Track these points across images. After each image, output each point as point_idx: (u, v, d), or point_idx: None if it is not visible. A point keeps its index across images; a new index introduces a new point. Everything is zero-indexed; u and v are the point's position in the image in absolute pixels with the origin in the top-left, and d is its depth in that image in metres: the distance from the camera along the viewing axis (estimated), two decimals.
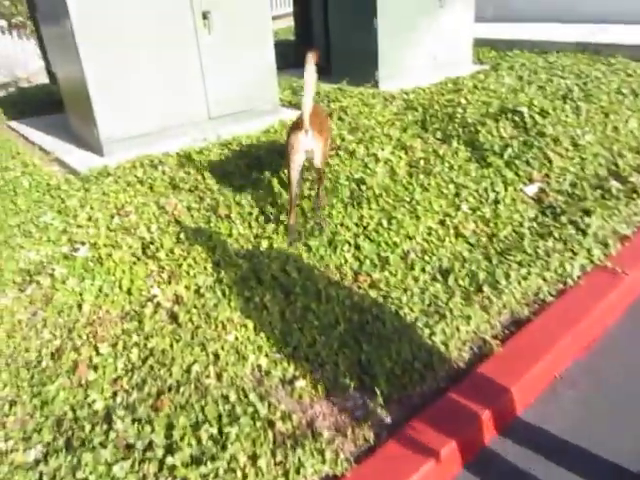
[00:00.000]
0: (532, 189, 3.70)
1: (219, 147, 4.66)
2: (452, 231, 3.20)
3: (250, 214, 3.51)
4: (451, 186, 3.63)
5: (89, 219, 3.51)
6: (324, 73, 7.59)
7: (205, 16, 4.88)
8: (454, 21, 7.17)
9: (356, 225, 3.28)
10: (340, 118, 5.05)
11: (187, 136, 4.91)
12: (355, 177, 3.79)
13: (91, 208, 3.65)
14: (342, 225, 3.29)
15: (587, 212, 3.32)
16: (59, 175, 4.51)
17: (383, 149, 4.22)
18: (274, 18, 12.08)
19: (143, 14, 4.53)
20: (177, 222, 3.44)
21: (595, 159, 3.95)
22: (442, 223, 3.28)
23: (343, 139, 4.49)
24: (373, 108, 5.25)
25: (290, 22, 11.96)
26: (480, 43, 8.10)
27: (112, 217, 3.52)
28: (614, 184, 3.64)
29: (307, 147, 3.07)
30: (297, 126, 3.09)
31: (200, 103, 5.16)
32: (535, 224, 3.26)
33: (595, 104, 4.85)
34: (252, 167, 4.14)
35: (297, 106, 5.45)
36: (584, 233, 3.12)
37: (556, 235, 3.10)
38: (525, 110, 4.38)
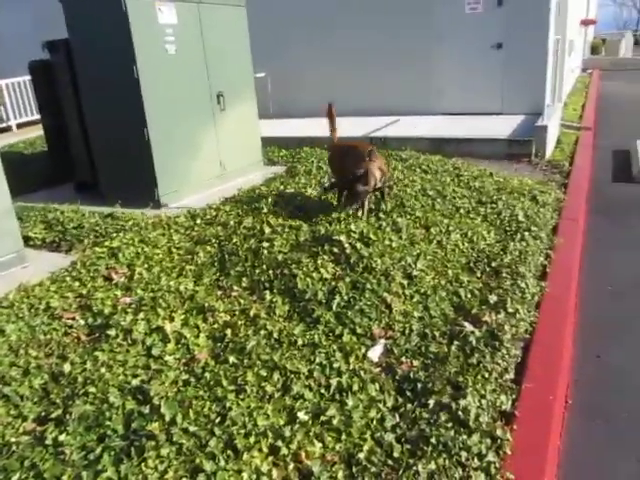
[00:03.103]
0: (377, 352, 2.82)
1: None
2: (291, 466, 2.09)
3: None
4: (276, 375, 2.55)
5: None
6: (89, 190, 6.22)
7: None
8: (239, 123, 6.44)
9: None
10: (108, 270, 3.73)
11: None
12: (132, 385, 2.50)
13: None
14: None
15: (457, 386, 2.50)
16: None
17: (172, 318, 3.02)
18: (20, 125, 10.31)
19: None
20: None
21: (435, 293, 3.27)
22: (274, 453, 2.14)
23: (114, 308, 3.18)
24: (155, 247, 4.04)
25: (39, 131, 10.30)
26: (268, 142, 7.51)
27: None
28: (469, 328, 2.94)
29: None
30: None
31: None
32: (400, 422, 2.32)
33: (411, 215, 4.33)
34: None
35: None
36: (465, 425, 2.27)
37: (433, 441, 2.18)
38: (344, 239, 3.59)
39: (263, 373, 2.55)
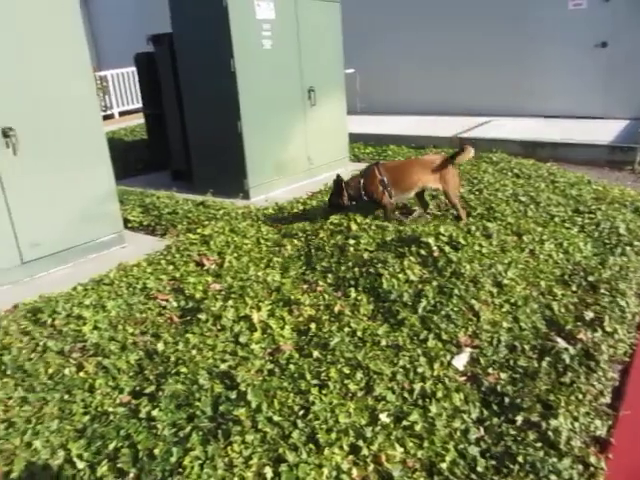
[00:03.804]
0: (462, 360, 2.75)
1: None
2: (371, 467, 2.08)
3: None
4: (359, 374, 2.56)
5: None
6: (184, 179, 6.52)
7: None
8: (327, 119, 6.48)
9: None
10: (200, 256, 3.88)
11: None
12: (220, 369, 2.59)
13: None
14: None
15: (547, 405, 2.39)
16: None
17: (259, 308, 3.10)
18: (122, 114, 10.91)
19: None
20: None
21: (526, 304, 3.14)
22: (355, 452, 2.15)
23: (205, 294, 3.31)
24: (244, 237, 4.16)
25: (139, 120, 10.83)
26: (353, 138, 7.50)
27: None
28: (562, 345, 2.80)
29: None
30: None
31: None
32: (484, 436, 2.26)
33: (502, 221, 4.18)
34: None
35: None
36: (554, 448, 2.17)
37: (520, 460, 2.10)
38: (432, 242, 3.53)
39: (346, 371, 2.56)
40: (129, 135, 9.59)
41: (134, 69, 11.64)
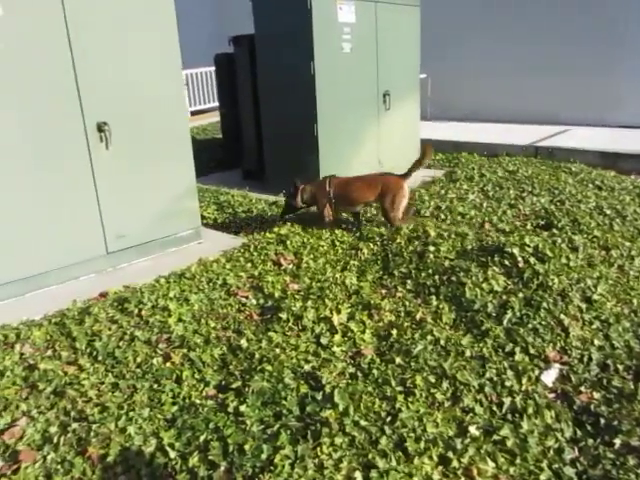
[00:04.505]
0: (551, 376, 2.64)
1: None
2: None
3: None
4: (445, 384, 2.50)
5: None
6: (254, 178, 6.63)
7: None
8: (400, 124, 6.44)
9: None
10: (277, 255, 3.92)
11: None
12: (305, 370, 2.60)
13: None
14: None
15: None
16: None
17: (339, 310, 3.09)
18: (193, 113, 11.20)
19: None
20: None
21: (618, 322, 2.99)
22: (445, 464, 2.10)
23: (284, 293, 3.34)
24: (320, 239, 4.17)
25: (210, 119, 11.11)
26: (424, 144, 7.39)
27: None
28: None
29: None
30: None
31: None
32: (580, 457, 2.15)
33: (587, 234, 4.01)
34: None
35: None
36: None
37: None
38: (517, 252, 3.42)
39: (432, 379, 2.51)
40: (201, 134, 9.85)
41: (206, 70, 12.03)
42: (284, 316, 3.05)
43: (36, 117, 3.50)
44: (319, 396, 2.38)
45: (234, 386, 2.51)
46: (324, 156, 5.54)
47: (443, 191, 5.27)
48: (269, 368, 2.58)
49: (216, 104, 12.29)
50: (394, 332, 2.91)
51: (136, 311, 3.20)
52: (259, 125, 6.18)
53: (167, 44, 4.05)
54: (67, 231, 3.77)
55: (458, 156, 7.29)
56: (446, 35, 9.62)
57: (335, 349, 2.79)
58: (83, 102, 3.67)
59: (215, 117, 11.16)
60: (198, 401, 2.45)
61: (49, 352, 2.86)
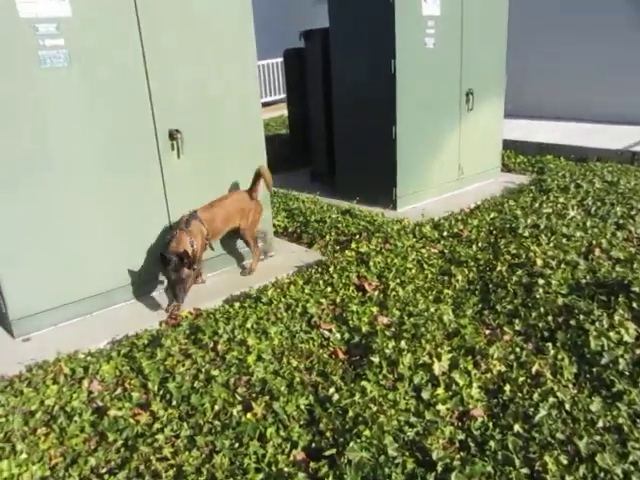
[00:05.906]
0: None
1: None
2: None
3: None
4: (582, 469, 2.06)
5: None
6: (322, 181, 6.26)
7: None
8: (483, 125, 5.91)
9: None
10: (360, 279, 3.54)
11: None
12: (409, 437, 2.22)
13: None
14: None
15: None
16: None
17: (439, 355, 2.69)
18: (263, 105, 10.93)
19: None
20: None
21: None
22: None
23: (372, 327, 2.96)
24: (405, 259, 3.76)
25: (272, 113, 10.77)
26: (502, 145, 6.80)
27: None
28: None
29: None
30: None
31: None
32: None
33: None
34: None
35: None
36: None
37: None
38: None
39: (563, 460, 2.09)
40: (264, 129, 9.53)
41: (269, 62, 11.68)
42: (376, 360, 2.68)
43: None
44: (431, 478, 2.00)
45: (327, 453, 2.16)
46: (402, 161, 5.12)
47: (537, 204, 4.73)
48: (367, 433, 2.21)
49: (278, 97, 12.01)
50: (507, 388, 2.49)
51: (211, 344, 2.90)
52: (330, 125, 5.79)
53: (245, 42, 3.76)
54: (136, 247, 3.54)
55: (541, 159, 6.68)
56: (527, 29, 8.87)
57: (440, 407, 2.40)
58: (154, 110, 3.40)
59: (278, 111, 10.86)
60: (286, 469, 2.12)
61: (119, 390, 2.60)
